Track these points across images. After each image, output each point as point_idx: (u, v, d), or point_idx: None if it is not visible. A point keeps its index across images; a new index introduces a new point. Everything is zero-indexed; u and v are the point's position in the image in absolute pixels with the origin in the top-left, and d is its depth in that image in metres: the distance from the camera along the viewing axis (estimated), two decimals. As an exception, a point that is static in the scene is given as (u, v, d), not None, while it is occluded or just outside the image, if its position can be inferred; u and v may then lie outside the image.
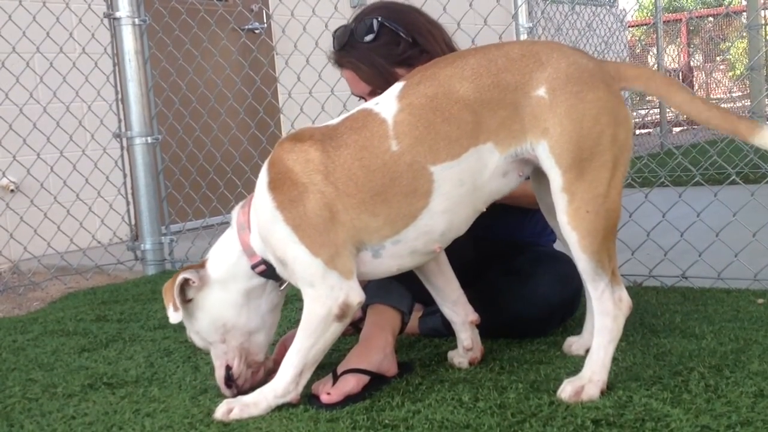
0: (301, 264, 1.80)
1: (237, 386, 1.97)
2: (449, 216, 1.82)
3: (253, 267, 1.91)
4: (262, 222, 1.86)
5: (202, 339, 1.99)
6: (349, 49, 2.28)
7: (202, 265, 1.96)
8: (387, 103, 1.83)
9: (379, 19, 2.23)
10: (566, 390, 1.77)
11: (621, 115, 1.76)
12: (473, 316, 2.10)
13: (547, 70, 1.76)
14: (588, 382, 1.77)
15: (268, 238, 1.84)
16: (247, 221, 1.91)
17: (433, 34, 2.27)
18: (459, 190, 1.80)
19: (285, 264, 1.84)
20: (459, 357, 2.11)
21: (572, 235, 1.76)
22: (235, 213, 1.96)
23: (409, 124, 1.79)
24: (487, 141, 1.78)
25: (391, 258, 1.85)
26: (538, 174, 1.88)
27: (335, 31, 2.33)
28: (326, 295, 1.80)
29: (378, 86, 2.19)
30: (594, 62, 1.80)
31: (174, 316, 1.90)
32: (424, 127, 1.78)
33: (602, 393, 1.77)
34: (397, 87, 1.86)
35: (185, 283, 1.93)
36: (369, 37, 2.23)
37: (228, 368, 1.97)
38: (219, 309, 1.94)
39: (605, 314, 1.79)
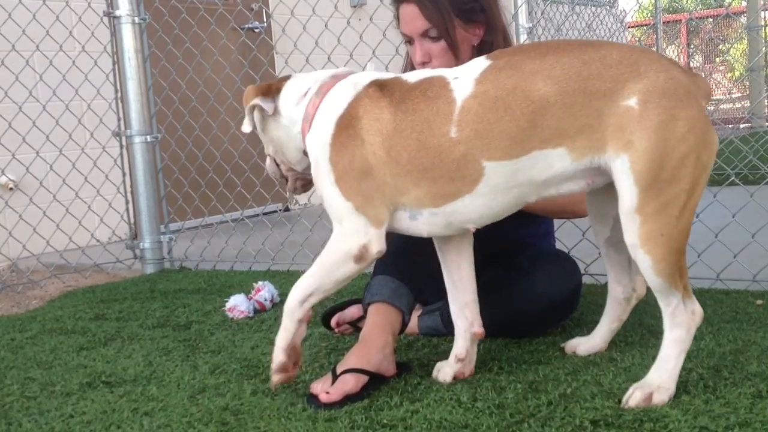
0: (332, 202, 1.84)
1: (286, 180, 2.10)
2: (491, 203, 1.80)
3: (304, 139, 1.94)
4: (314, 140, 1.89)
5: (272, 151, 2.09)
6: None
7: (278, 90, 2.00)
8: (464, 82, 1.78)
9: None
10: (636, 397, 1.71)
11: (709, 137, 1.68)
12: (479, 329, 2.04)
13: (642, 81, 1.67)
14: (657, 388, 1.72)
15: (313, 158, 1.89)
16: (313, 116, 1.93)
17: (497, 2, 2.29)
18: (509, 184, 1.77)
19: (319, 190, 1.88)
20: (447, 367, 2.00)
21: (645, 260, 1.69)
22: (315, 87, 1.95)
23: (476, 115, 1.74)
24: (559, 146, 1.72)
25: (425, 224, 1.85)
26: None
27: None
28: (351, 234, 1.82)
29: (435, 26, 2.21)
30: (690, 78, 1.71)
31: (246, 127, 1.98)
32: (489, 122, 1.73)
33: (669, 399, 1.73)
34: (479, 66, 1.80)
35: (255, 110, 1.99)
36: None
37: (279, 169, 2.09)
38: (284, 138, 2.01)
39: (679, 326, 1.74)
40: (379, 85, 1.86)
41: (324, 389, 1.88)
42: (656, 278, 1.70)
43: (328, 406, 1.84)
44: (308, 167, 1.99)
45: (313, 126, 1.91)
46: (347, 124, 1.83)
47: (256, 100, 1.97)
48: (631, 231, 1.69)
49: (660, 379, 1.74)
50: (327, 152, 1.84)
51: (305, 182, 2.10)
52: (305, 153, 1.96)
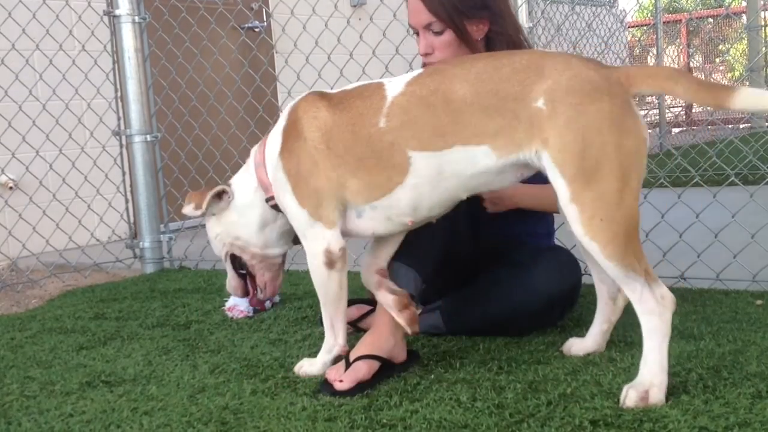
0: (291, 213, 2.02)
1: (254, 292, 2.28)
2: (421, 197, 1.90)
3: (267, 200, 2.12)
4: (270, 161, 2.07)
5: (217, 246, 2.27)
6: None
7: (224, 191, 2.20)
8: (396, 84, 1.93)
9: None
10: (631, 397, 1.73)
11: (627, 124, 1.74)
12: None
13: (547, 82, 1.77)
14: (650, 386, 1.74)
15: (273, 180, 2.06)
16: (263, 159, 2.10)
17: None
18: (436, 177, 1.87)
19: (283, 208, 2.05)
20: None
21: (592, 245, 1.75)
22: (253, 151, 2.15)
23: (402, 108, 1.89)
24: (482, 144, 1.82)
25: (369, 221, 1.98)
26: None
27: None
28: (314, 244, 1.99)
29: (440, 20, 2.28)
30: (600, 73, 1.77)
31: (190, 212, 2.19)
32: (414, 114, 1.87)
33: (666, 398, 1.74)
34: (413, 73, 1.95)
35: (222, 193, 2.18)
36: None
37: (244, 276, 2.27)
38: (236, 228, 2.19)
39: (650, 313, 1.77)
40: (316, 94, 2.04)
41: (338, 377, 1.93)
42: (608, 263, 1.76)
43: (342, 394, 1.90)
44: (270, 244, 2.18)
45: (266, 155, 2.09)
46: (290, 129, 2.00)
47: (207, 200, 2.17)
48: (573, 221, 1.77)
49: (651, 374, 1.75)
50: (280, 164, 2.00)
51: (271, 267, 2.25)
52: (267, 200, 2.11)
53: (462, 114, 1.82)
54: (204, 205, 2.17)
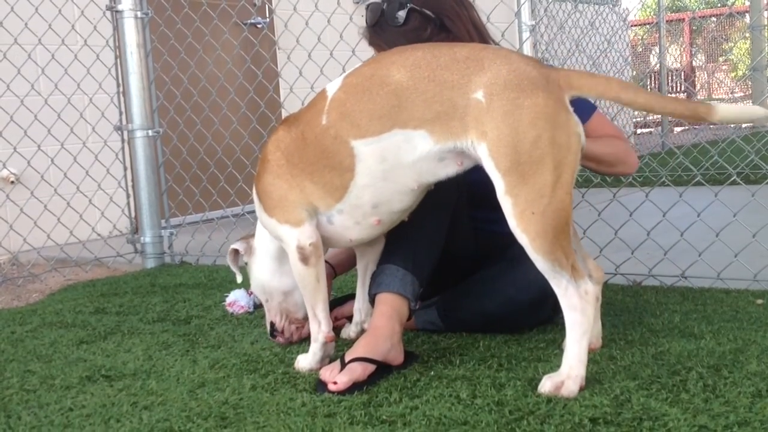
0: (265, 224, 2.12)
1: (284, 337, 2.32)
2: (374, 190, 1.94)
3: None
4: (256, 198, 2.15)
5: (258, 295, 2.34)
6: (378, 30, 2.34)
7: (253, 235, 2.30)
8: (336, 81, 1.99)
9: (408, 6, 2.27)
10: (546, 385, 1.80)
11: (560, 119, 1.77)
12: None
13: (486, 75, 1.80)
14: (567, 378, 1.79)
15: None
16: None
17: (459, 15, 2.32)
18: (381, 165, 1.90)
19: (263, 226, 2.15)
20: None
21: (523, 237, 1.79)
22: None
23: (340, 101, 1.94)
24: (419, 128, 1.85)
25: (342, 227, 2.04)
26: None
27: (368, 5, 2.38)
28: (288, 245, 2.06)
29: None
30: (538, 70, 1.81)
31: (238, 278, 2.35)
32: (351, 104, 1.91)
33: (581, 389, 1.78)
34: (353, 68, 1.99)
35: (235, 252, 2.30)
36: (398, 22, 2.28)
37: (272, 323, 2.31)
38: (258, 273, 2.28)
39: (573, 309, 1.82)
40: (281, 122, 2.11)
41: (332, 378, 1.91)
42: (536, 256, 1.80)
43: (337, 395, 1.88)
44: (288, 285, 2.26)
45: None
46: (262, 159, 2.10)
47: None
48: (508, 212, 1.80)
49: (568, 366, 1.81)
50: (255, 189, 2.12)
51: (298, 325, 2.33)
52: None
53: (399, 98, 1.85)
54: (234, 269, 2.33)
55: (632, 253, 2.99)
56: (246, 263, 2.32)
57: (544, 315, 2.31)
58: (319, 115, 1.96)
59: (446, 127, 1.83)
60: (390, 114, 1.86)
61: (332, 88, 1.98)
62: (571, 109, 1.81)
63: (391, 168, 1.90)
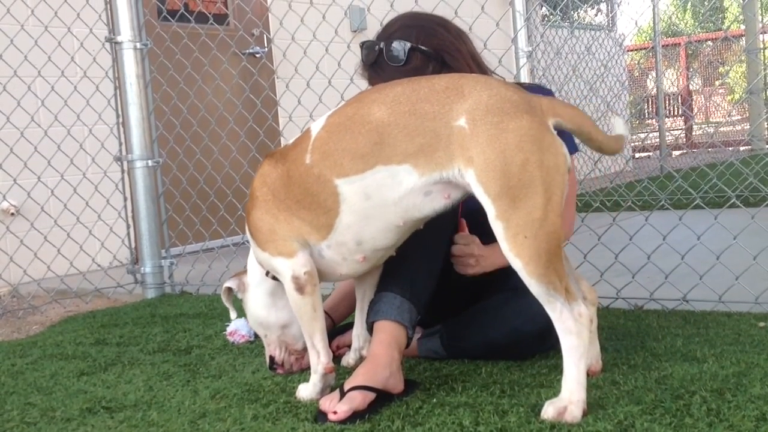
0: (259, 258, 2.11)
1: (284, 369, 2.31)
2: (359, 228, 1.95)
3: (266, 273, 2.18)
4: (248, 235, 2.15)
5: (256, 330, 2.34)
6: (378, 69, 2.32)
7: (245, 272, 2.28)
8: (319, 121, 2.01)
9: (409, 46, 2.26)
10: (548, 411, 1.78)
11: (546, 141, 1.78)
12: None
13: (467, 102, 1.81)
14: (569, 403, 1.78)
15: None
16: None
17: (459, 50, 2.32)
18: (365, 203, 1.91)
19: (258, 261, 2.15)
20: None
21: (516, 262, 1.78)
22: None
23: (323, 140, 1.95)
24: (403, 163, 1.85)
25: (332, 262, 2.04)
26: None
27: (363, 43, 2.37)
28: (285, 279, 2.05)
29: None
30: (519, 94, 1.82)
31: (232, 315, 2.34)
32: (333, 143, 1.93)
33: (584, 413, 1.77)
34: (336, 107, 2.01)
35: (229, 290, 2.28)
36: (399, 61, 2.28)
37: (272, 357, 2.30)
38: (254, 309, 2.27)
39: (569, 333, 1.81)
40: (267, 156, 2.12)
41: (332, 407, 1.90)
42: (530, 279, 1.78)
43: (338, 424, 1.86)
44: (286, 320, 2.25)
45: None
46: (251, 195, 2.10)
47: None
48: (500, 237, 1.79)
49: (569, 391, 1.80)
50: (246, 226, 2.12)
51: (298, 356, 2.33)
52: (267, 273, 2.20)
53: (381, 135, 1.86)
54: (228, 305, 2.32)
55: (633, 277, 2.99)
56: (241, 300, 2.31)
57: (550, 344, 2.30)
58: (303, 154, 1.98)
59: (431, 158, 1.83)
60: (372, 152, 1.87)
61: (316, 127, 1.99)
62: (555, 133, 1.81)
63: (376, 205, 1.90)
